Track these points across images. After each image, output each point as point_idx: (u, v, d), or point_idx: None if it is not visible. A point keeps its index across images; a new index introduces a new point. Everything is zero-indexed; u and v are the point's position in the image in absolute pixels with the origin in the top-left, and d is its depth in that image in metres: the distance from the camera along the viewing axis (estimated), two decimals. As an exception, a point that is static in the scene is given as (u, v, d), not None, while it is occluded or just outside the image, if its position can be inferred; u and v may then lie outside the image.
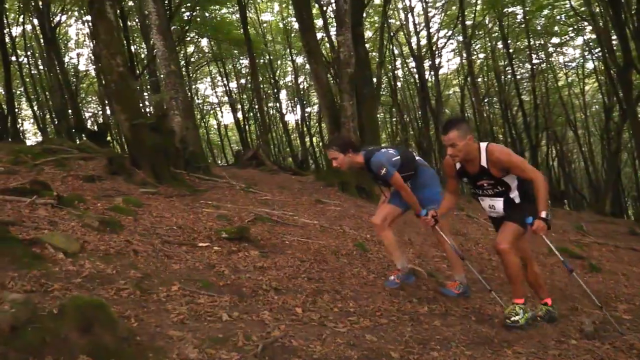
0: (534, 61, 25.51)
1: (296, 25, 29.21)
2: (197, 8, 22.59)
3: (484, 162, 3.61)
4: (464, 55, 28.03)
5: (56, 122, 27.98)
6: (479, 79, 27.97)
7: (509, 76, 27.24)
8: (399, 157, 4.38)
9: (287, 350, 2.62)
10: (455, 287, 4.52)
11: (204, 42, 30.36)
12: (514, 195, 3.68)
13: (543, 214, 3.42)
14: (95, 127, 21.89)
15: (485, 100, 27.33)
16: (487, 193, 3.75)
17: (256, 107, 30.83)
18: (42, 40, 27.25)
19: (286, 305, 3.47)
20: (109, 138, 23.80)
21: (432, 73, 24.79)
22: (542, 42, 25.63)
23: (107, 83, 9.14)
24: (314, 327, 3.08)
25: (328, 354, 2.63)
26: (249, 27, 26.48)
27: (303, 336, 2.84)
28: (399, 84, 29.61)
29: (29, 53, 30.17)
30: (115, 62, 8.84)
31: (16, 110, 29.87)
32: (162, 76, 12.11)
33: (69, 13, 28.49)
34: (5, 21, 25.26)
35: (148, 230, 4.93)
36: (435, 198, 4.40)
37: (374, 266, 5.24)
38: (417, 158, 4.58)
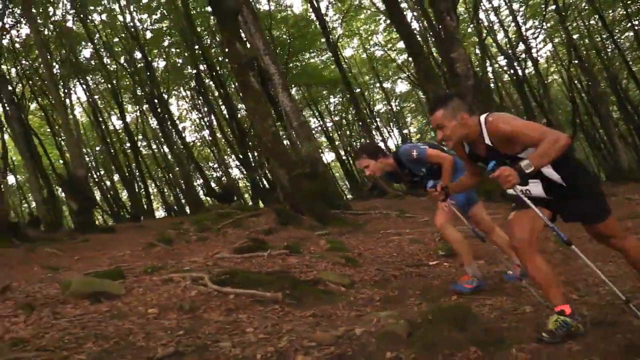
0: (637, 27, 24.25)
1: (378, 54, 30.29)
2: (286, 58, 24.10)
3: (487, 140, 2.83)
4: (555, 40, 27.41)
5: (178, 194, 30.55)
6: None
7: (609, 50, 26.12)
8: (426, 145, 4.15)
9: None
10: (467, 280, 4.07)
11: (294, 89, 32.07)
12: (548, 171, 2.79)
13: (523, 163, 2.57)
14: (220, 190, 23.51)
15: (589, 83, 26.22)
16: None
17: (355, 140, 31.79)
18: (154, 122, 30.13)
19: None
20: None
21: (530, 65, 24.38)
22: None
23: (263, 143, 10.08)
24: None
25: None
26: (334, 66, 27.80)
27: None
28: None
29: (140, 136, 33.28)
30: (267, 124, 9.83)
31: (141, 189, 32.93)
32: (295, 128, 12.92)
33: (172, 93, 31.30)
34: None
35: (377, 260, 5.52)
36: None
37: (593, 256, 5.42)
38: (446, 148, 4.11)
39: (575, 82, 27.47)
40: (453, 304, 3.01)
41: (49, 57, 19.28)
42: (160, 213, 39.98)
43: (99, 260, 8.63)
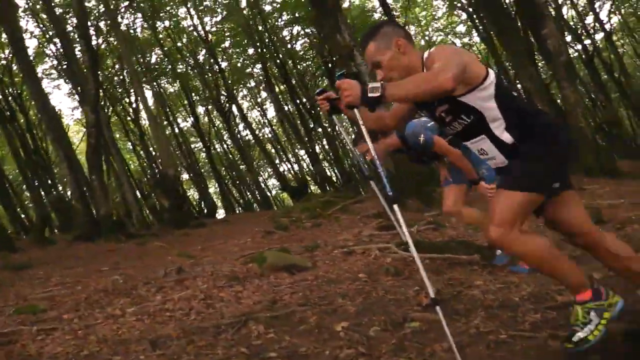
0: None
1: (437, 39, 30.21)
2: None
3: None
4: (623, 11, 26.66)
5: (245, 191, 31.47)
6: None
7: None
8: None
9: None
10: None
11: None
12: (498, 129, 2.20)
13: (372, 84, 2.04)
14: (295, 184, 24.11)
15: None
16: (455, 129, 2.30)
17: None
18: (217, 122, 31.16)
19: None
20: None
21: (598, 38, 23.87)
22: None
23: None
24: None
25: None
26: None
27: None
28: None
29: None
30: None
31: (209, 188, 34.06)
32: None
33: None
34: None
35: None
36: None
37: None
38: None
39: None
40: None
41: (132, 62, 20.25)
42: (221, 212, 41.18)
43: (226, 248, 9.17)
